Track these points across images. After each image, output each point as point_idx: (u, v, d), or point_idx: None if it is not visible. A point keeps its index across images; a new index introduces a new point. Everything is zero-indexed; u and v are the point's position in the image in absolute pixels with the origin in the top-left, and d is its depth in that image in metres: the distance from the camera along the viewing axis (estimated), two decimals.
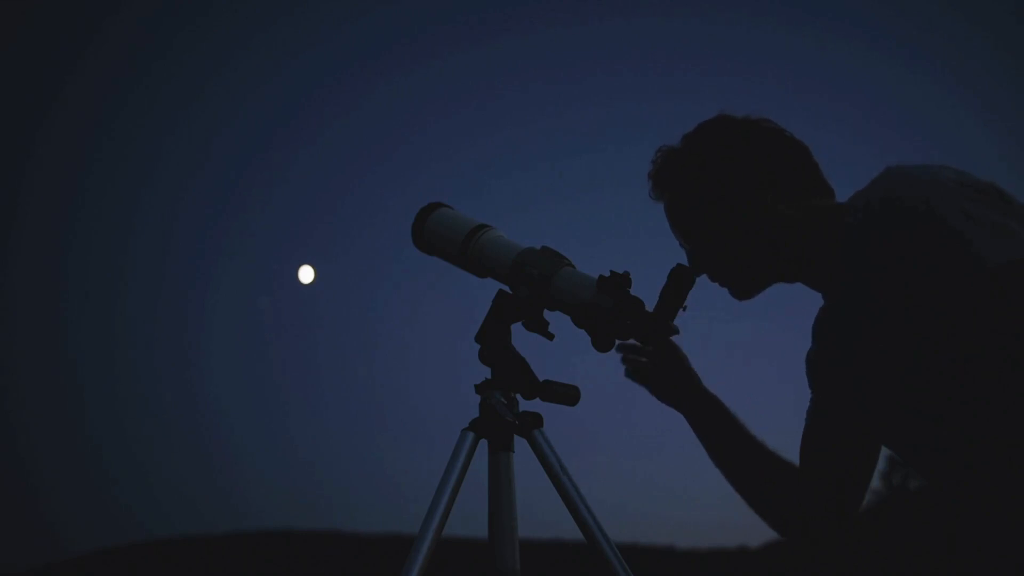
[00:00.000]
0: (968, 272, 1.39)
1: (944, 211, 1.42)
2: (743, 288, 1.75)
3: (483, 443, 1.81)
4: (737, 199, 1.68)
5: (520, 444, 1.83)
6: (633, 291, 1.75)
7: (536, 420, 1.84)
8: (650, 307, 1.73)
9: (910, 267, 1.47)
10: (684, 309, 1.71)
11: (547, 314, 1.88)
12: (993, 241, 1.38)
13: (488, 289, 1.96)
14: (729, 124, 1.72)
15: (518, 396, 1.86)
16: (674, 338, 1.81)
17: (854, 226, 1.55)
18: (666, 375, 1.92)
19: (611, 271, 1.76)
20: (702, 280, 1.76)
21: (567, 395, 1.85)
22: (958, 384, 1.47)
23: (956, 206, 1.42)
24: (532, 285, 1.86)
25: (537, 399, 1.85)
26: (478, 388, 1.86)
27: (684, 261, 1.80)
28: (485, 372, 1.88)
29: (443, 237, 2.06)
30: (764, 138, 1.70)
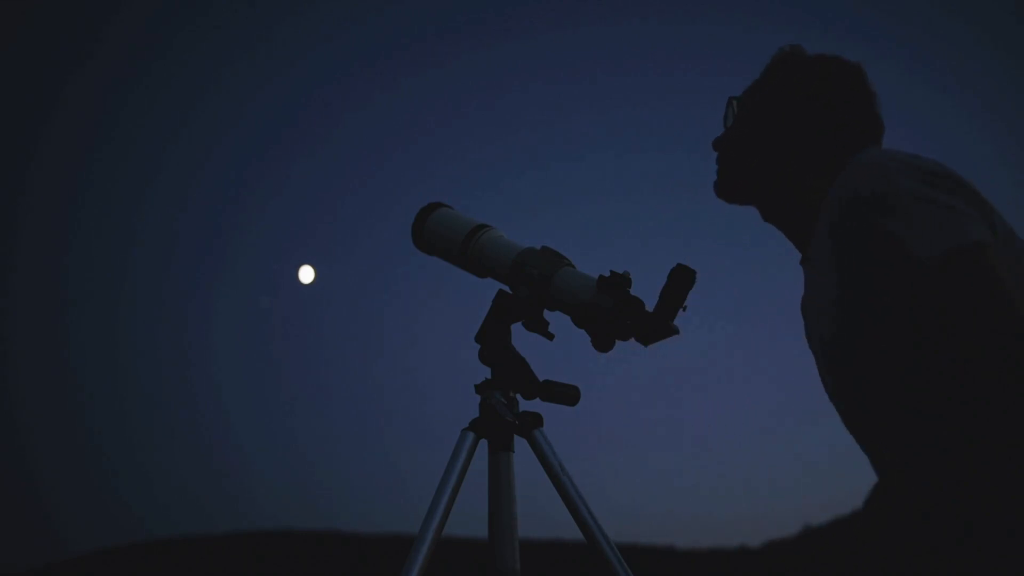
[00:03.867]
0: (903, 264, 1.38)
1: (893, 201, 1.40)
2: (727, 182, 1.75)
3: (483, 443, 1.81)
4: (803, 119, 1.68)
5: (520, 444, 1.83)
6: (633, 291, 1.75)
7: (536, 420, 1.85)
8: (650, 307, 1.73)
9: (857, 262, 1.46)
10: (684, 309, 1.71)
11: (547, 314, 1.89)
12: (931, 230, 1.36)
13: (488, 289, 1.96)
14: (852, 72, 1.71)
15: (518, 396, 1.87)
16: (673, 338, 1.80)
17: (827, 221, 1.54)
18: None
19: (611, 271, 1.76)
20: (702, 282, 1.75)
21: (567, 395, 1.85)
22: (889, 378, 1.48)
23: (904, 188, 1.40)
24: (532, 285, 1.86)
25: (537, 399, 1.85)
26: (478, 388, 1.87)
27: (682, 262, 1.79)
28: (485, 372, 1.88)
29: (443, 237, 2.06)
30: (864, 102, 1.70)
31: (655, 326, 1.72)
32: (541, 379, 1.86)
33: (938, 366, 1.40)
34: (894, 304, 1.43)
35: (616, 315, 1.74)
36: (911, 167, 1.43)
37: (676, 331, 1.73)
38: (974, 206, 1.41)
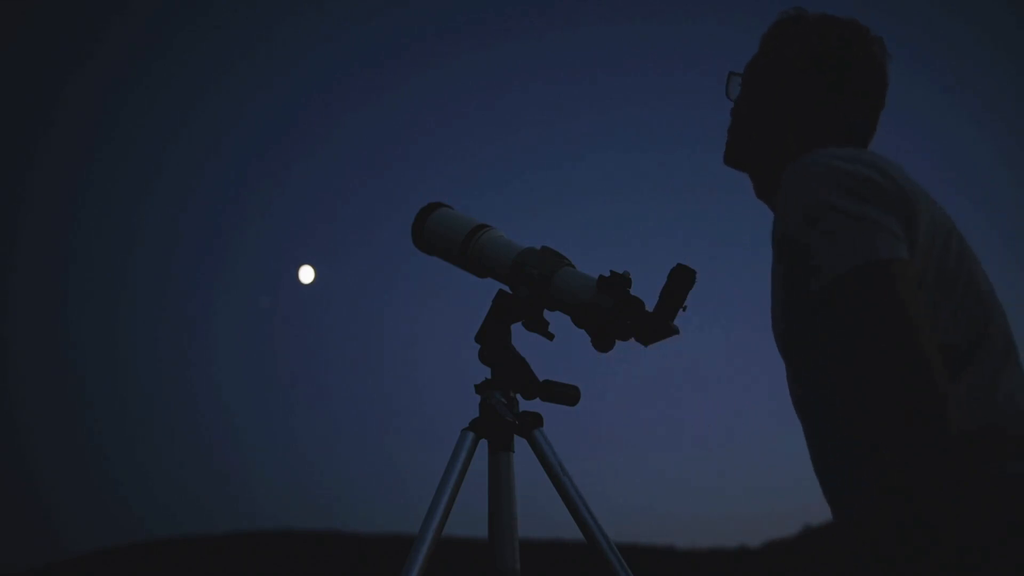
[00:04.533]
0: (817, 279, 1.35)
1: (813, 213, 1.36)
2: (730, 149, 1.73)
3: (483, 443, 1.81)
4: (799, 91, 1.65)
5: (520, 444, 1.83)
6: (633, 291, 1.75)
7: (536, 420, 1.85)
8: (650, 307, 1.73)
9: (787, 273, 1.45)
10: (684, 309, 1.71)
11: (547, 314, 1.89)
12: (841, 246, 1.33)
13: (488, 289, 1.96)
14: (851, 38, 1.66)
15: (518, 396, 1.87)
16: (673, 338, 1.80)
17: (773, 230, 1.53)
18: None
19: (611, 271, 1.76)
20: (702, 282, 1.75)
21: (567, 395, 1.85)
22: (808, 384, 1.49)
23: (824, 201, 1.36)
24: (532, 285, 1.86)
25: (537, 399, 1.85)
26: (478, 388, 1.87)
27: (682, 262, 1.79)
28: (485, 372, 1.88)
29: (443, 237, 2.06)
30: (870, 76, 1.65)
31: (655, 326, 1.72)
32: (541, 379, 1.86)
33: (840, 381, 1.39)
34: (812, 318, 1.41)
35: (616, 315, 1.74)
36: (837, 175, 1.38)
37: (676, 331, 1.73)
38: (899, 217, 1.37)
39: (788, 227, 1.40)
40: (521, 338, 1.90)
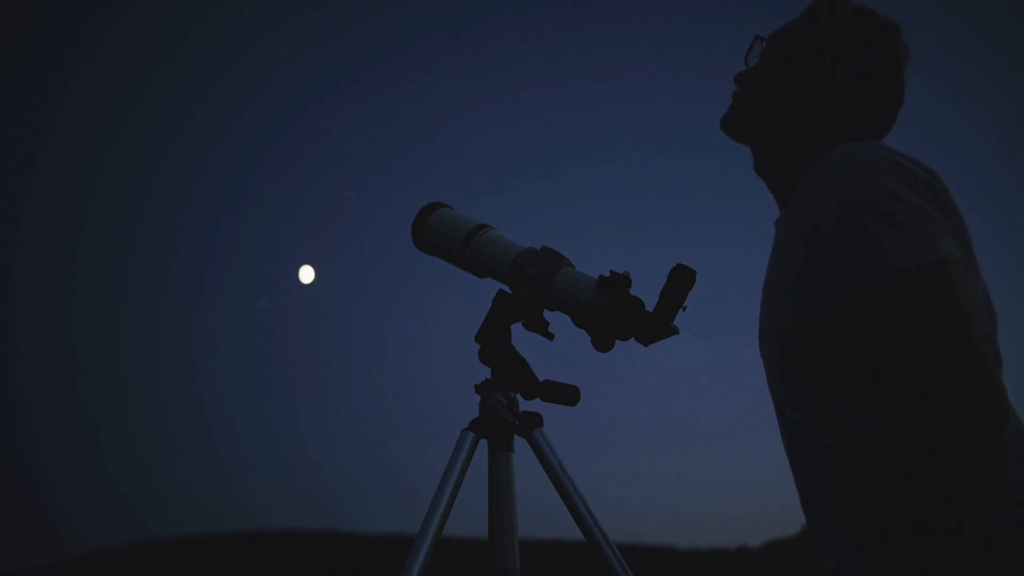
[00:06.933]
0: (875, 268, 1.34)
1: (882, 204, 1.35)
2: (734, 116, 1.70)
3: (483, 443, 1.81)
4: (827, 74, 1.62)
5: (520, 444, 1.83)
6: (633, 291, 1.75)
7: (536, 420, 1.85)
8: (650, 307, 1.73)
9: (832, 257, 1.41)
10: (684, 309, 1.71)
11: (547, 314, 1.89)
12: (909, 240, 1.33)
13: (488, 289, 1.96)
14: (887, 38, 1.64)
15: (518, 396, 1.87)
16: (673, 338, 1.80)
17: (814, 212, 1.46)
18: None
19: (611, 271, 1.76)
20: (702, 281, 1.75)
21: (567, 395, 1.85)
22: (836, 373, 1.45)
23: (894, 192, 1.36)
24: (532, 285, 1.86)
25: (537, 399, 1.86)
26: (478, 388, 1.87)
27: (682, 262, 1.79)
28: (485, 372, 1.88)
29: (443, 236, 2.06)
30: (895, 74, 1.63)
31: (655, 326, 1.72)
32: (541, 379, 1.86)
33: (885, 370, 1.37)
34: (857, 304, 1.39)
35: (616, 315, 1.74)
36: (903, 170, 1.38)
37: (676, 331, 1.73)
38: (951, 220, 1.38)
39: (839, 211, 1.38)
40: (521, 338, 1.91)
